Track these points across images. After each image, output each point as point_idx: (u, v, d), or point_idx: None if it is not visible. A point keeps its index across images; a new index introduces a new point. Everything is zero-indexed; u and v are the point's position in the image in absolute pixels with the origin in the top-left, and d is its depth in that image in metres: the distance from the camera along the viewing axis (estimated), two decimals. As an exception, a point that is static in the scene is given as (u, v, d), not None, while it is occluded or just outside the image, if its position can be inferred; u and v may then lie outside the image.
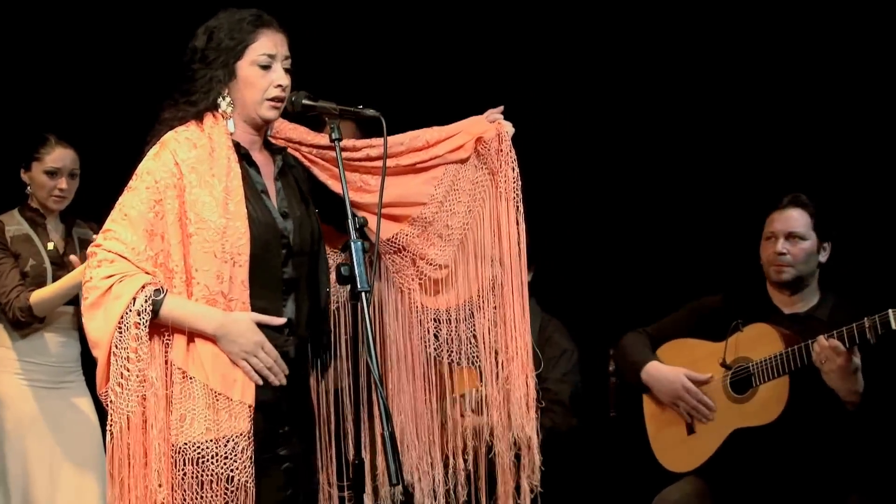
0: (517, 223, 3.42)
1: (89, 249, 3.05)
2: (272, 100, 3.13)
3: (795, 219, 4.06)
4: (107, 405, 2.96)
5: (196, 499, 2.93)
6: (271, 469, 3.06)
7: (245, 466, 2.94)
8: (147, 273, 2.96)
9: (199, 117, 3.12)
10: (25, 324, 4.28)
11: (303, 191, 3.27)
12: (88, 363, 4.27)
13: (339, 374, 3.41)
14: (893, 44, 4.73)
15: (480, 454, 3.49)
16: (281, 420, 3.10)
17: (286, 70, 3.14)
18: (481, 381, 3.48)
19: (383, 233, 3.28)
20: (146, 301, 2.92)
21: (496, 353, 3.44)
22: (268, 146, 3.26)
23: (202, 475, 2.93)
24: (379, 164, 3.29)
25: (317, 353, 3.27)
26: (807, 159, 4.85)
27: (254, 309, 3.03)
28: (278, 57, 3.13)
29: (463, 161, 3.43)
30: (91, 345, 3.00)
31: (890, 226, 4.69)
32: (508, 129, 3.43)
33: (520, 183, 3.42)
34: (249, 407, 2.97)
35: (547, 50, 5.37)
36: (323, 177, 3.32)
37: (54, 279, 4.29)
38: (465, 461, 3.49)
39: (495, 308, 3.44)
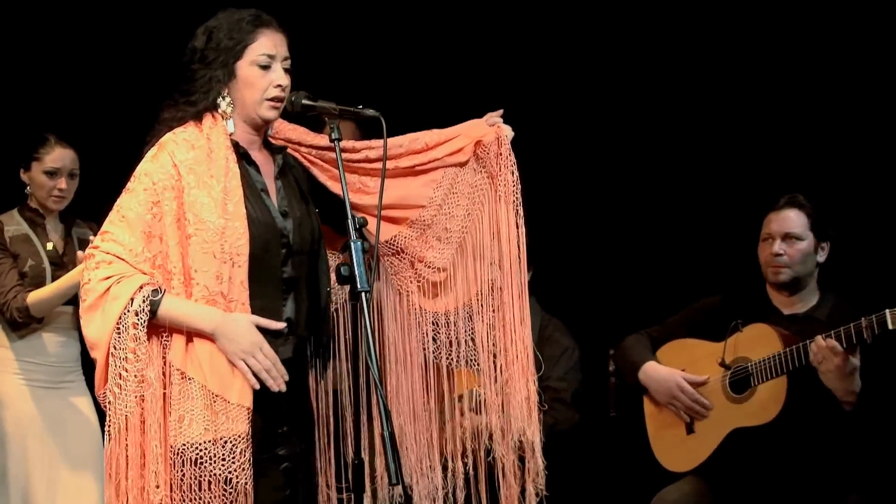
0: (517, 226, 3.41)
1: (87, 252, 3.05)
2: (272, 100, 3.13)
3: (792, 219, 4.06)
4: (105, 407, 2.96)
5: (195, 500, 2.93)
6: (270, 469, 3.06)
7: (243, 468, 2.94)
8: (145, 274, 2.96)
9: (198, 117, 3.12)
10: (23, 324, 4.28)
11: (303, 190, 3.27)
12: (88, 363, 4.26)
13: (338, 374, 3.40)
14: (891, 43, 4.73)
15: (480, 457, 3.48)
16: (280, 420, 3.10)
17: (286, 70, 3.14)
18: (481, 381, 3.47)
19: (382, 235, 3.28)
20: (144, 301, 2.92)
21: (495, 356, 3.43)
22: (268, 146, 3.26)
23: (201, 476, 2.93)
24: (377, 165, 3.30)
25: (316, 353, 3.27)
26: (807, 159, 4.85)
27: (253, 308, 3.03)
28: (278, 57, 3.13)
29: (462, 164, 3.42)
30: (89, 346, 3.00)
31: (890, 225, 4.69)
32: (508, 132, 3.42)
33: (519, 186, 3.41)
34: (248, 409, 2.97)
35: (547, 49, 5.37)
36: (322, 178, 3.32)
37: (53, 279, 4.29)
38: (465, 464, 3.48)
39: (494, 311, 3.43)
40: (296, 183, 3.26)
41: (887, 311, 3.64)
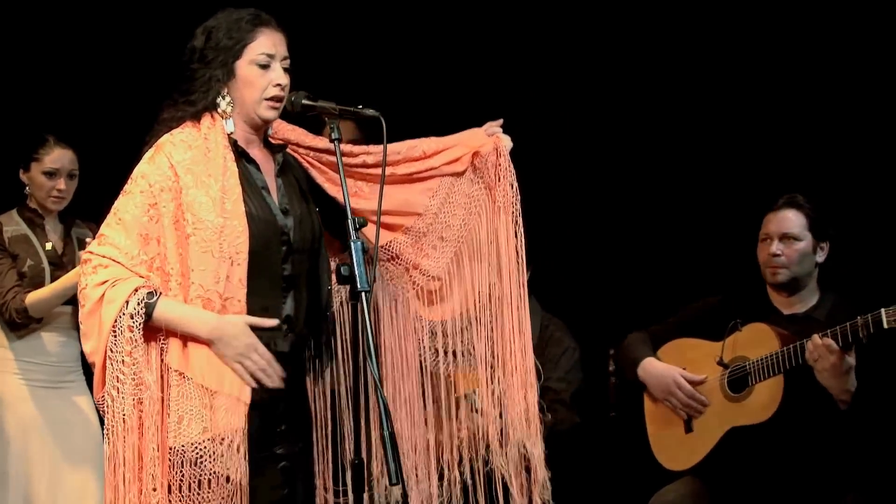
0: (515, 237, 3.39)
1: (83, 256, 3.05)
2: (271, 99, 3.12)
3: (790, 220, 4.05)
4: (103, 411, 2.96)
5: (195, 500, 2.92)
6: (268, 468, 3.06)
7: (240, 464, 2.93)
8: (141, 277, 2.96)
9: (197, 117, 3.11)
10: (22, 325, 4.29)
11: (303, 189, 3.26)
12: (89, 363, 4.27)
13: (337, 375, 3.39)
14: (890, 43, 4.73)
15: (477, 467, 3.46)
16: (278, 419, 3.10)
17: (285, 70, 3.14)
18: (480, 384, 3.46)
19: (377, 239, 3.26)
20: (139, 304, 2.92)
21: (492, 367, 3.41)
22: (267, 145, 3.25)
23: (200, 475, 2.93)
24: (374, 171, 3.30)
25: (316, 353, 3.27)
26: (807, 159, 4.85)
27: (251, 306, 3.03)
28: (277, 56, 3.13)
29: (459, 174, 3.41)
30: (87, 351, 3.00)
31: (890, 225, 4.69)
32: (507, 143, 3.40)
33: (519, 197, 3.39)
34: (245, 404, 2.97)
35: (547, 46, 5.37)
36: (319, 179, 3.32)
37: (52, 280, 4.29)
38: (462, 473, 3.46)
39: (492, 321, 3.41)
40: (296, 181, 3.26)
41: (882, 310, 3.64)
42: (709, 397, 4.10)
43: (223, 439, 2.93)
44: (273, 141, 3.29)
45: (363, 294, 2.97)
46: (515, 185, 3.39)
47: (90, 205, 4.07)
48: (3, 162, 4.55)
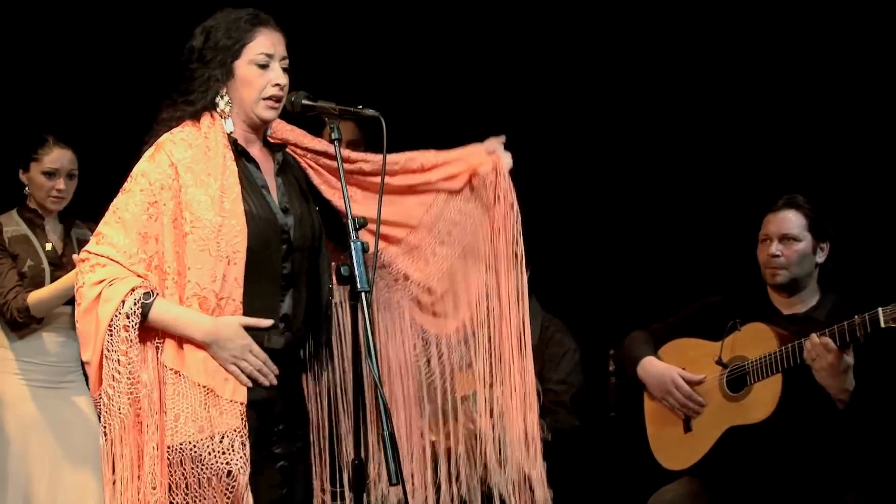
0: (515, 256, 3.36)
1: (81, 254, 3.05)
2: (269, 99, 3.12)
3: (790, 220, 4.05)
4: (100, 410, 2.96)
5: (197, 498, 2.93)
6: (266, 467, 3.05)
7: (241, 460, 2.93)
8: (139, 276, 2.96)
9: (196, 117, 3.11)
10: (23, 325, 4.29)
11: (303, 188, 3.26)
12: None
13: (336, 375, 3.39)
14: (890, 43, 4.73)
15: (472, 484, 3.41)
16: (276, 418, 3.10)
17: (284, 69, 3.13)
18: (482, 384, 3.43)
19: (371, 247, 3.25)
20: (135, 304, 2.92)
21: (490, 385, 3.38)
22: (267, 144, 3.25)
23: (201, 473, 2.93)
24: (370, 179, 3.29)
25: (316, 352, 3.26)
26: (807, 159, 4.85)
27: (248, 305, 3.03)
28: (276, 56, 3.12)
29: (455, 191, 3.39)
30: (83, 350, 3.00)
31: (890, 225, 4.69)
32: (507, 162, 3.37)
33: (519, 217, 3.35)
34: (241, 404, 2.97)
35: (547, 48, 5.37)
36: (317, 181, 3.30)
37: (52, 280, 4.30)
38: (458, 488, 3.43)
39: (490, 341, 3.39)
40: (296, 180, 3.25)
41: (879, 309, 3.64)
42: (708, 397, 4.10)
43: (223, 437, 2.93)
44: (272, 140, 3.29)
45: (363, 294, 2.97)
46: (516, 205, 3.36)
47: (90, 205, 4.06)
48: (2, 162, 4.55)
